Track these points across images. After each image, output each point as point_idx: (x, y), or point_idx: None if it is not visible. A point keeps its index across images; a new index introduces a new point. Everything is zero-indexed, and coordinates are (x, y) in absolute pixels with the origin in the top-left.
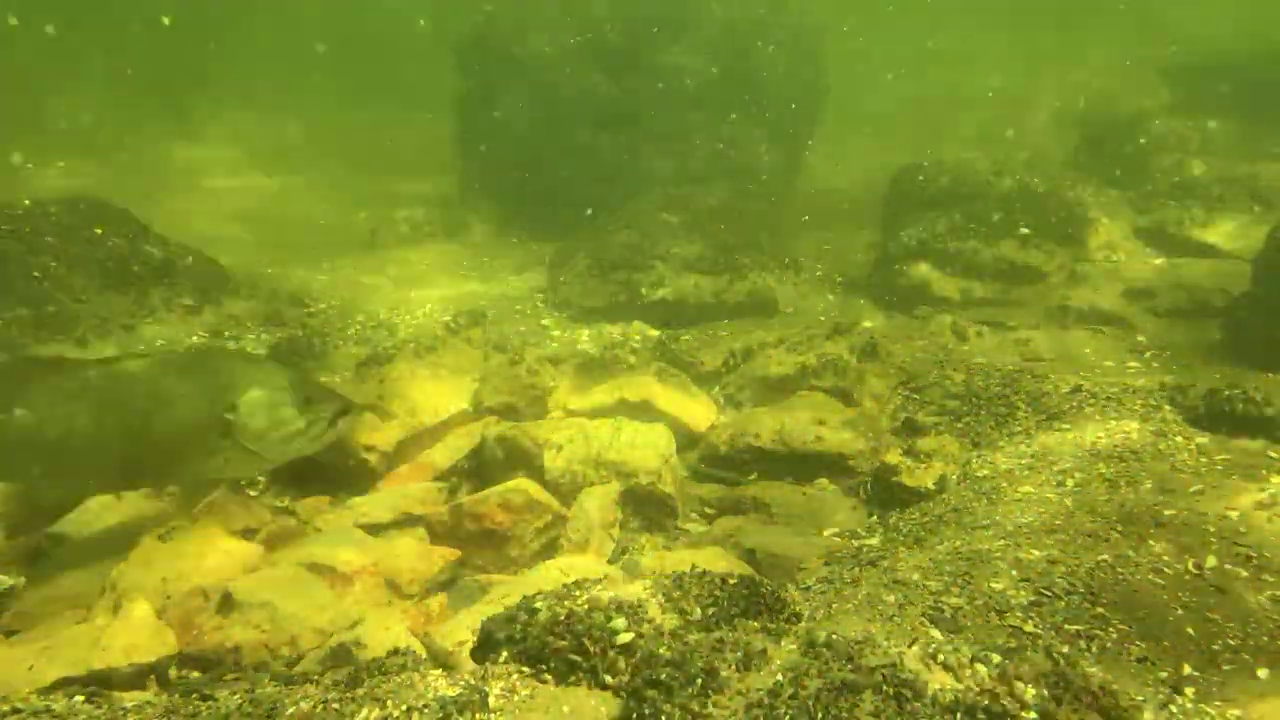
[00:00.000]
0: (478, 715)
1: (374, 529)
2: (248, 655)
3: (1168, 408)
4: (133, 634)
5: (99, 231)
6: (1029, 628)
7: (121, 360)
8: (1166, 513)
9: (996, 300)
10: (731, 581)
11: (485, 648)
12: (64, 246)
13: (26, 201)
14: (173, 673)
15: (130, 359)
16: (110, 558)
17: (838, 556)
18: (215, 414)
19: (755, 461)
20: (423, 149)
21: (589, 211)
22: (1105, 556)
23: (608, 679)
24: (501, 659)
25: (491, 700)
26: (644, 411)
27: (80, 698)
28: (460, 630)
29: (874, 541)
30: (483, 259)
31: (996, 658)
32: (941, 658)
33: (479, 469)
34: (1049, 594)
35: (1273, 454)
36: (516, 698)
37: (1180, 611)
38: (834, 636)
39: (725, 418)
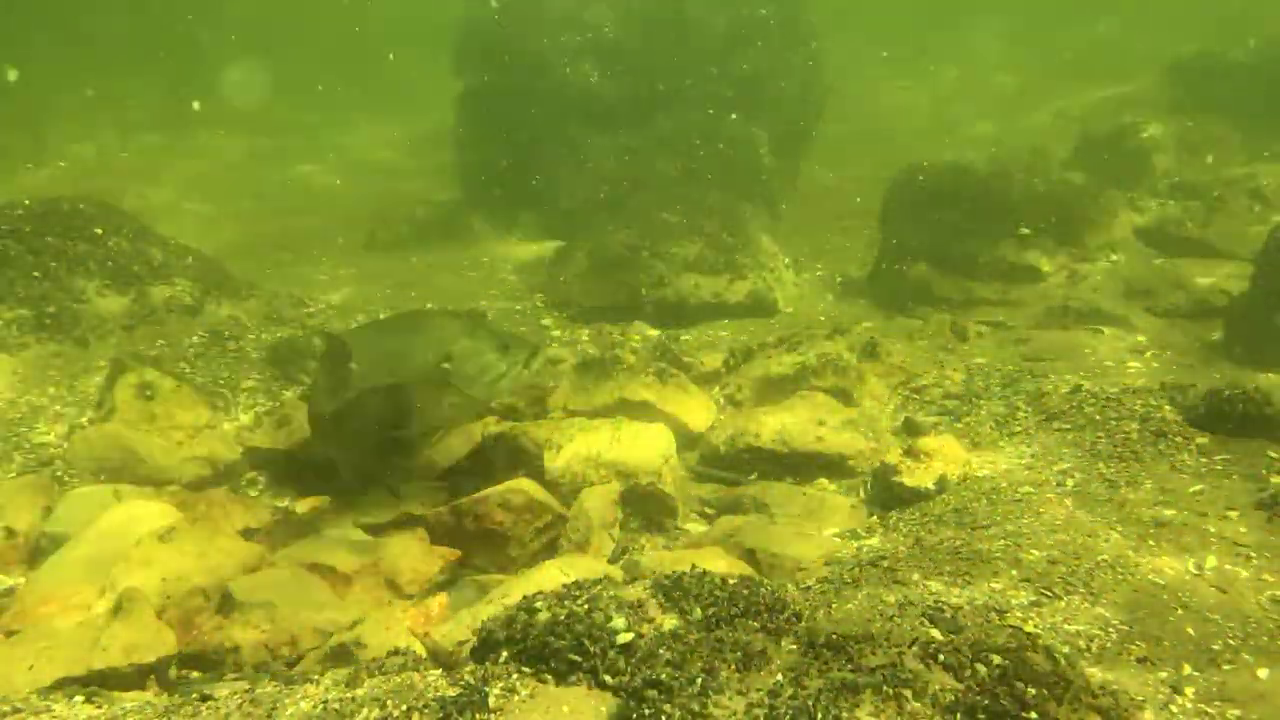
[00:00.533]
0: (478, 715)
1: (374, 529)
2: (248, 655)
3: (1168, 408)
4: (133, 634)
5: (99, 231)
6: (1029, 628)
7: (361, 328)
8: (1167, 513)
9: (996, 300)
10: (731, 581)
11: (485, 648)
12: (64, 246)
13: (26, 201)
14: (173, 673)
15: (364, 326)
16: (110, 558)
17: (838, 556)
18: (436, 366)
19: (755, 461)
20: (422, 149)
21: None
22: (1105, 556)
23: (608, 679)
24: (501, 659)
25: (491, 700)
26: (644, 411)
27: (80, 698)
28: (460, 630)
29: (874, 541)
30: (483, 259)
31: (996, 658)
32: (942, 658)
33: (479, 469)
34: (1049, 594)
35: (1273, 454)
36: (516, 698)
37: (1180, 611)
38: (834, 636)
39: (725, 418)
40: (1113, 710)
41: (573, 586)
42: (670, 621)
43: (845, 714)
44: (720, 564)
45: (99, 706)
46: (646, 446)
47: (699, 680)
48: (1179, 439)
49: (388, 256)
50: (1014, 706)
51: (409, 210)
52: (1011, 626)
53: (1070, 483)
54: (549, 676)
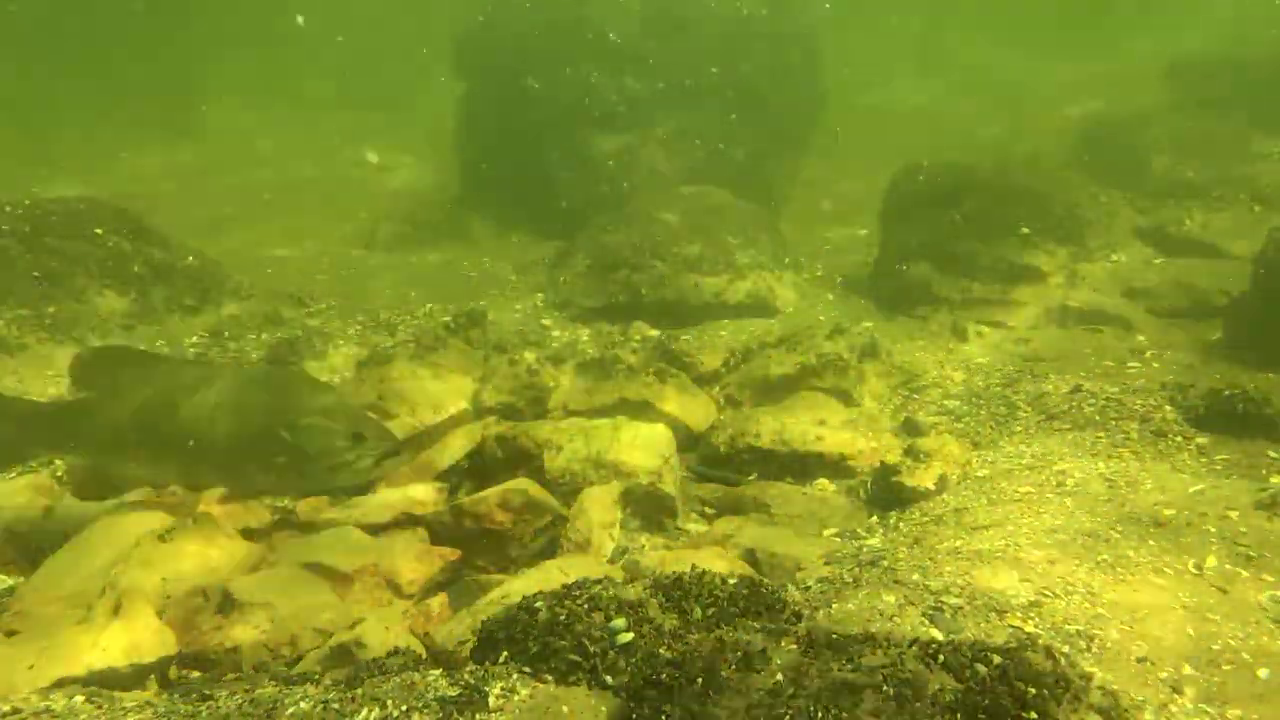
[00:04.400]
0: (478, 715)
1: (374, 529)
2: (248, 655)
3: (1168, 408)
4: (133, 634)
5: (99, 232)
6: (1029, 628)
7: (198, 364)
8: (1166, 513)
9: (996, 300)
10: (731, 581)
11: (485, 648)
12: (64, 246)
13: (26, 201)
14: (173, 673)
15: (204, 365)
16: (110, 558)
17: (838, 556)
18: (273, 430)
19: (755, 461)
20: (423, 149)
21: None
22: (1105, 556)
23: (608, 679)
24: (501, 659)
25: (491, 700)
26: (644, 411)
27: (80, 698)
28: (460, 630)
29: (874, 541)
30: (483, 259)
31: (996, 658)
32: (942, 658)
33: (479, 469)
34: (1049, 594)
35: (1272, 454)
36: (516, 698)
37: (1180, 611)
38: (834, 636)
39: (725, 418)
40: (1113, 710)
41: (573, 586)
42: (670, 621)
43: (845, 714)
44: (720, 564)
45: (99, 706)
46: (646, 446)
47: (699, 680)
48: (1179, 439)
49: (387, 256)
50: (1014, 706)
51: (409, 210)
52: (1011, 626)
53: (1070, 483)
54: (549, 676)
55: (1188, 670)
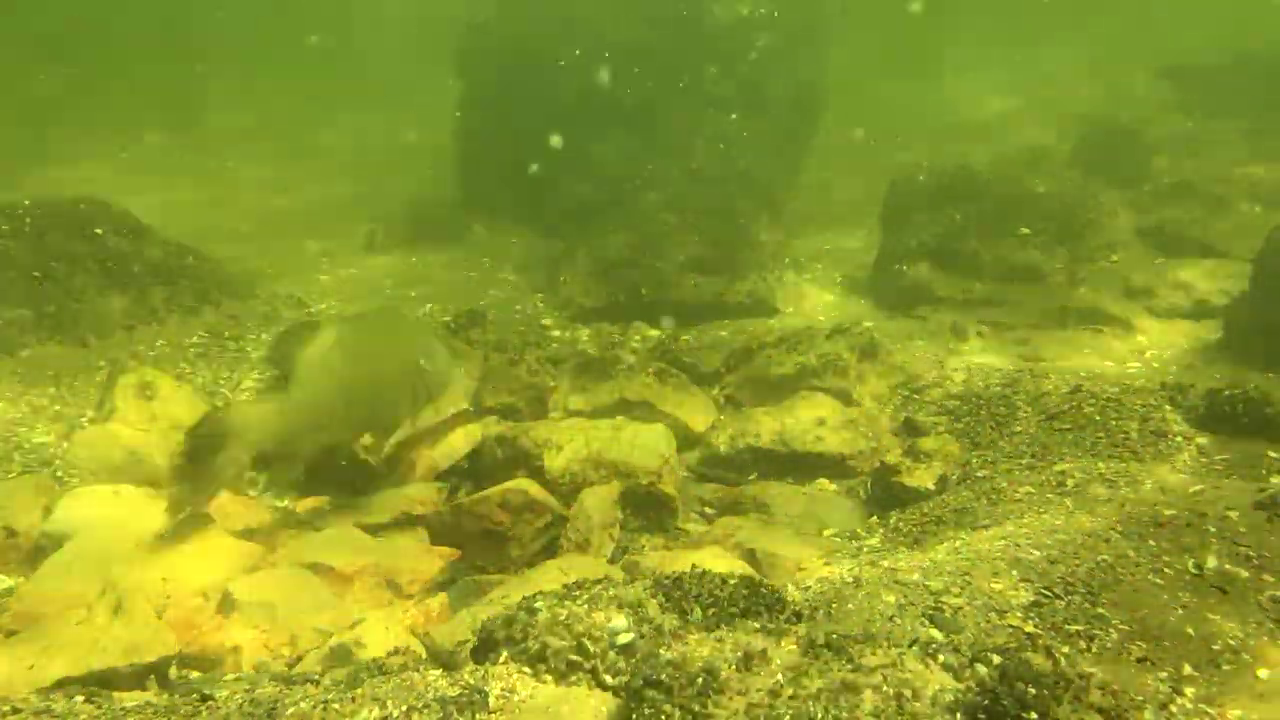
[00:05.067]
0: (478, 715)
1: (374, 529)
2: (248, 655)
3: (1168, 408)
4: (133, 634)
5: (99, 232)
6: (1029, 628)
7: (343, 324)
8: (1166, 513)
9: (996, 300)
10: (731, 581)
11: (485, 648)
12: (64, 246)
13: (26, 201)
14: (173, 673)
15: (344, 323)
16: (110, 558)
17: (838, 556)
18: (415, 363)
19: (755, 461)
20: (422, 150)
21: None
22: (1105, 556)
23: (608, 679)
24: (501, 659)
25: (491, 700)
26: (644, 411)
27: (80, 698)
28: (460, 630)
29: (874, 541)
30: (483, 259)
31: (996, 658)
32: (941, 658)
33: (479, 469)
34: (1049, 594)
35: (1273, 454)
36: (516, 698)
37: (1180, 611)
38: (834, 636)
39: (725, 418)
40: (1113, 710)
41: (573, 586)
42: (670, 621)
43: (845, 714)
44: (720, 564)
45: (99, 706)
46: (646, 446)
47: (699, 680)
48: (1179, 439)
49: (388, 257)
50: (1014, 706)
51: (409, 211)
52: (1011, 626)
53: (1070, 483)
54: (549, 676)
55: (1188, 670)
